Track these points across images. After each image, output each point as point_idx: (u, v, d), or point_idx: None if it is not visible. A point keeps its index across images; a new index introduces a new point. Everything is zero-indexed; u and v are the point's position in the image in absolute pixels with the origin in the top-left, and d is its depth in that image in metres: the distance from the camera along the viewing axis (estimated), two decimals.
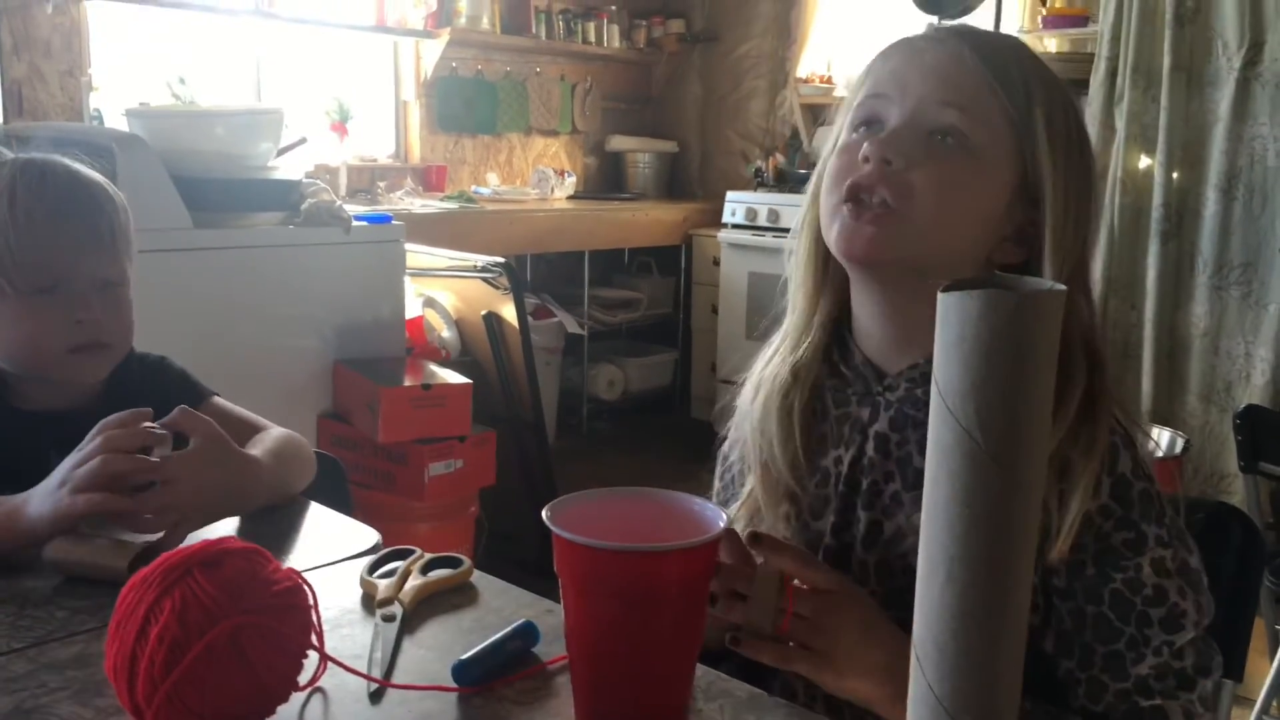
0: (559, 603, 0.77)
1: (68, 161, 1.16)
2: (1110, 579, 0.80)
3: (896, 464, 0.88)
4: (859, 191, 0.83)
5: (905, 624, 0.83)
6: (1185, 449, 2.92)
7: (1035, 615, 0.82)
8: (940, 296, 0.53)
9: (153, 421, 1.00)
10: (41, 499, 0.95)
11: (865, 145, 0.83)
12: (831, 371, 0.93)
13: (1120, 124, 3.22)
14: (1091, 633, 0.80)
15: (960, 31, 0.86)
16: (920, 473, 0.61)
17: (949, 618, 0.52)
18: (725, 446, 1.03)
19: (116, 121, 3.08)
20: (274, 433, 1.22)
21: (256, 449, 1.13)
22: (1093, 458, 0.79)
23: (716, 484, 1.05)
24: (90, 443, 0.96)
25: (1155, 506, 0.81)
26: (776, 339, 0.97)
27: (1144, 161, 3.25)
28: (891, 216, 0.82)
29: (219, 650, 0.66)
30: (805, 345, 0.93)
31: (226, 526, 1.07)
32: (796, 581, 0.79)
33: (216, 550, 0.69)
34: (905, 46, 0.87)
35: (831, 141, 0.90)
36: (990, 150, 0.83)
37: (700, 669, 0.77)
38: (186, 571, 0.68)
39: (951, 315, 0.52)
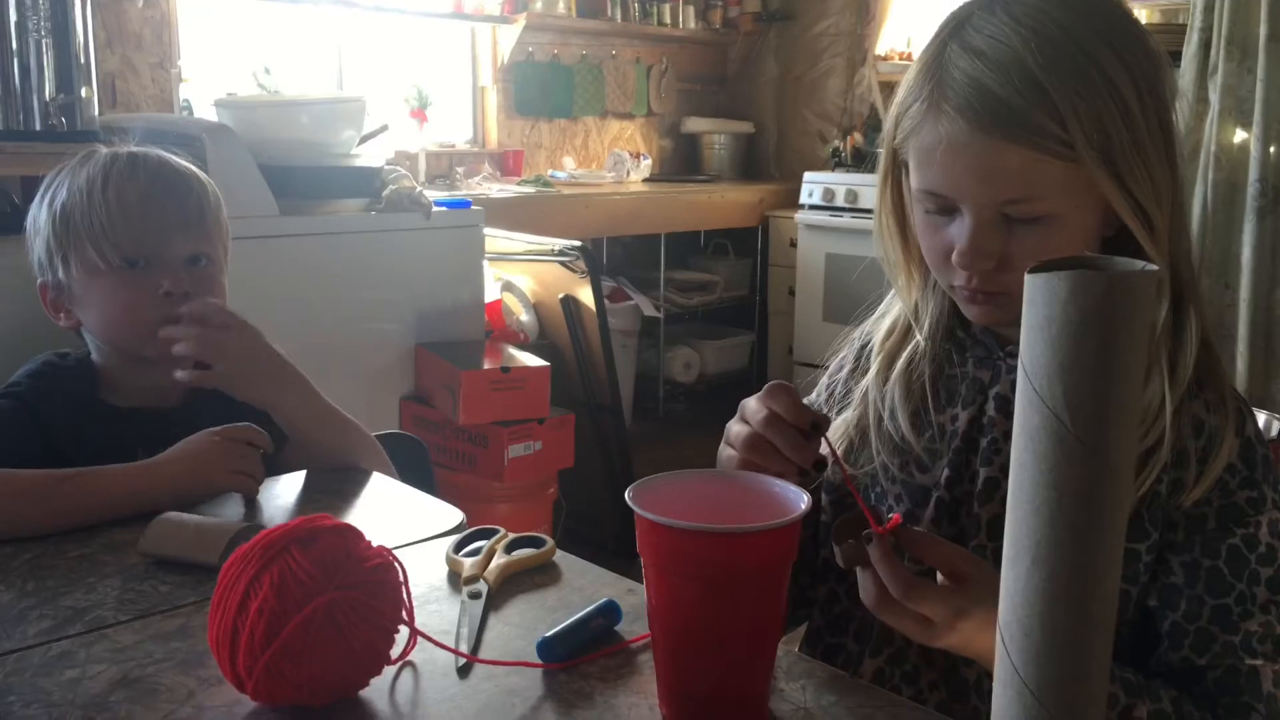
0: (639, 582, 0.78)
1: (159, 150, 1.22)
2: (1231, 534, 0.83)
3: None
4: (966, 290, 0.87)
5: None
6: None
7: (1146, 575, 0.85)
8: (1028, 278, 0.52)
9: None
10: (192, 463, 1.07)
11: (955, 255, 0.85)
12: (947, 335, 0.95)
13: (1214, 97, 3.11)
14: (1204, 586, 0.83)
15: (994, 109, 0.79)
16: None
17: (1035, 601, 0.52)
18: (834, 364, 1.06)
19: (205, 112, 3.17)
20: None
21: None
22: (1224, 416, 0.84)
23: (817, 396, 1.07)
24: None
25: (1274, 472, 0.86)
26: (894, 309, 0.99)
27: (1239, 136, 3.13)
28: (1002, 297, 0.86)
29: (315, 624, 0.68)
30: (928, 316, 0.95)
31: (318, 505, 1.10)
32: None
33: (312, 528, 0.72)
34: (945, 140, 0.82)
35: (885, 137, 0.90)
36: (1068, 201, 0.82)
37: (781, 649, 0.77)
38: (284, 548, 0.70)
39: (1039, 296, 0.52)
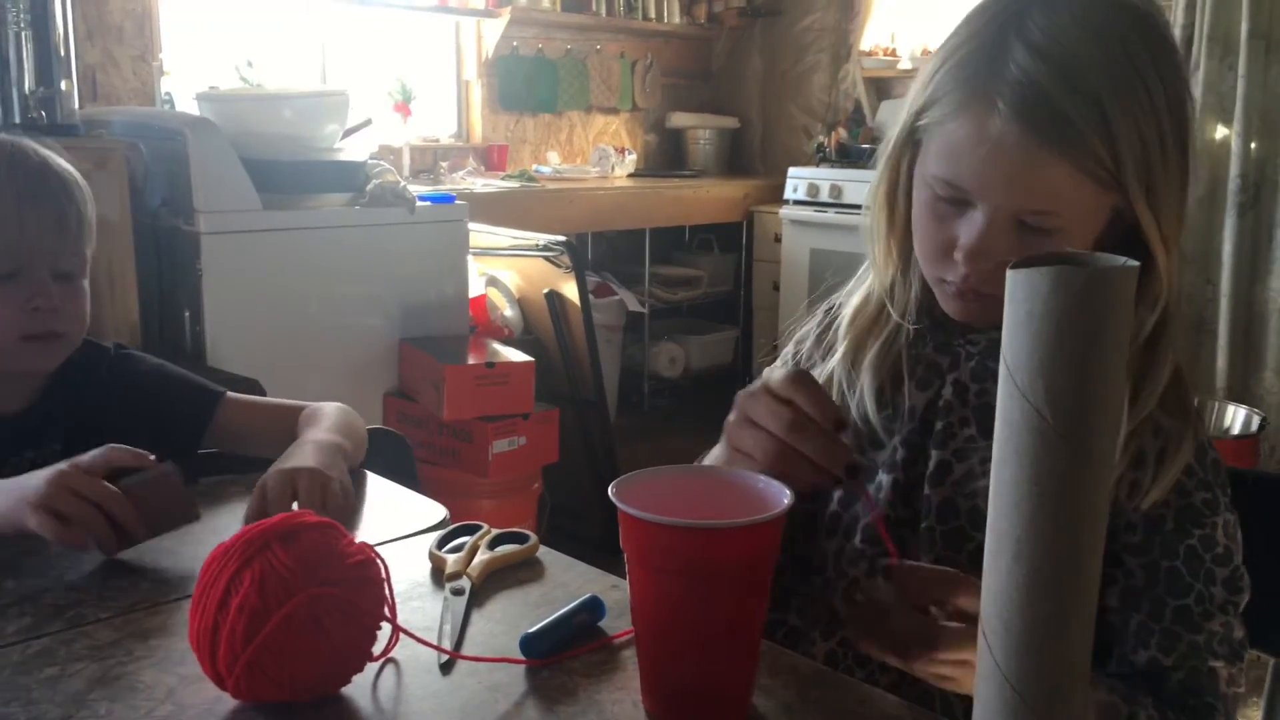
0: (623, 578, 0.78)
1: (38, 147, 1.13)
2: (1188, 535, 0.84)
3: (974, 411, 0.91)
4: (957, 285, 0.86)
5: (952, 563, 0.85)
6: (1262, 426, 2.85)
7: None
8: (1009, 274, 0.52)
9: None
10: (10, 502, 0.93)
11: (959, 252, 0.83)
12: (920, 317, 0.95)
13: (1196, 93, 3.13)
14: (1164, 587, 0.84)
15: (1051, 119, 0.77)
16: None
17: (1017, 596, 0.52)
18: (800, 333, 1.05)
19: (187, 105, 3.15)
20: (327, 409, 1.21)
21: (325, 431, 1.14)
22: (1185, 419, 0.85)
23: (782, 364, 1.06)
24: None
25: (1223, 474, 0.87)
26: (864, 288, 0.98)
27: (1220, 132, 3.16)
28: (989, 298, 0.85)
29: (297, 621, 0.68)
30: (906, 296, 0.94)
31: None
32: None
33: (293, 524, 0.71)
34: (979, 131, 0.80)
35: (905, 113, 0.88)
36: (1083, 217, 0.82)
37: (765, 644, 0.78)
38: (265, 545, 0.70)
39: (1020, 292, 0.52)
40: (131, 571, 0.93)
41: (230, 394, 1.23)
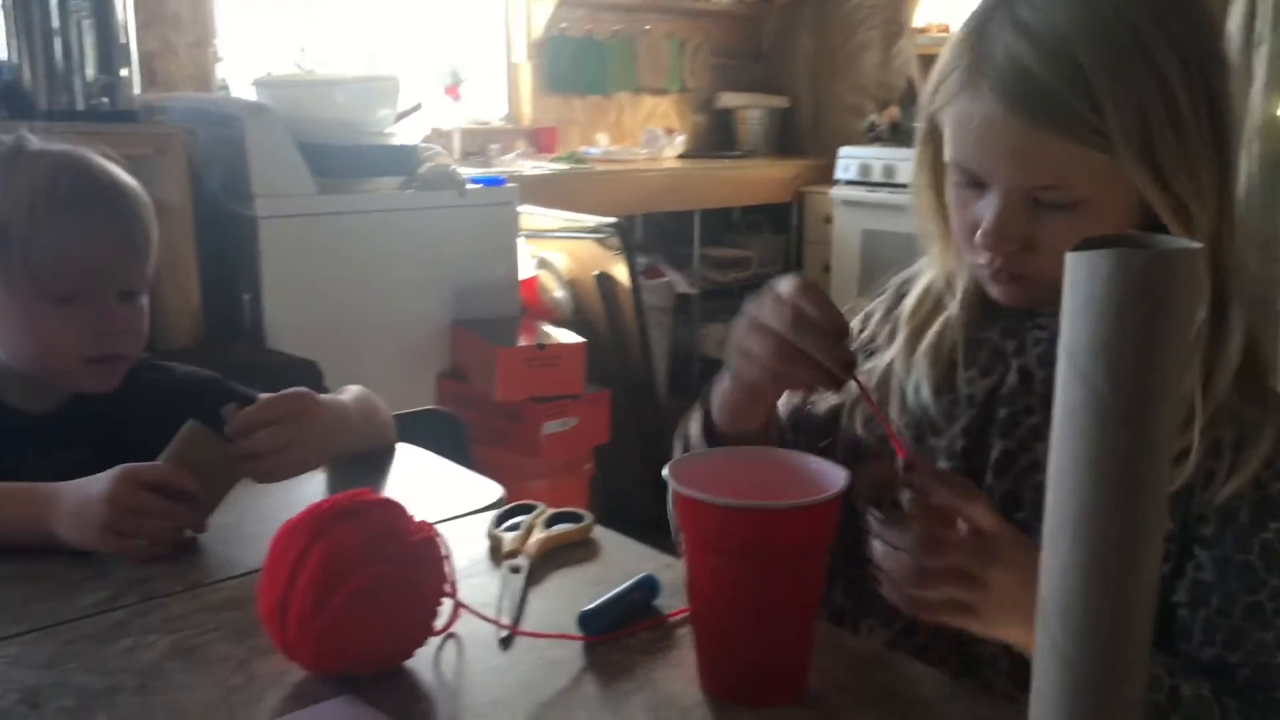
0: (675, 557, 0.79)
1: (104, 161, 1.10)
2: (1264, 528, 0.80)
3: (1040, 399, 0.89)
4: (989, 269, 0.85)
5: None
6: None
7: (1167, 565, 0.82)
8: (1069, 257, 0.52)
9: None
10: (76, 527, 0.92)
11: (978, 235, 0.83)
12: (979, 299, 0.93)
13: (1260, 69, 3.05)
14: (1236, 582, 0.81)
15: (1032, 93, 0.77)
16: None
17: (1077, 578, 0.52)
18: (870, 306, 1.03)
19: (242, 91, 3.20)
20: (350, 389, 1.22)
21: (342, 396, 1.15)
22: (1267, 407, 0.81)
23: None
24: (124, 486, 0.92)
25: None
26: (925, 277, 0.97)
27: None
28: (1025, 280, 0.84)
29: (362, 596, 0.70)
30: (962, 281, 0.93)
31: (360, 480, 1.12)
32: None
33: (357, 503, 0.73)
34: (972, 113, 0.80)
35: (923, 98, 0.88)
36: (1100, 189, 0.79)
37: (821, 623, 0.78)
38: (331, 522, 0.72)
39: (1080, 275, 0.52)
40: (200, 547, 0.96)
41: (261, 395, 1.18)
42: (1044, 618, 0.54)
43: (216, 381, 1.19)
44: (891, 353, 0.97)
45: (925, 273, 0.97)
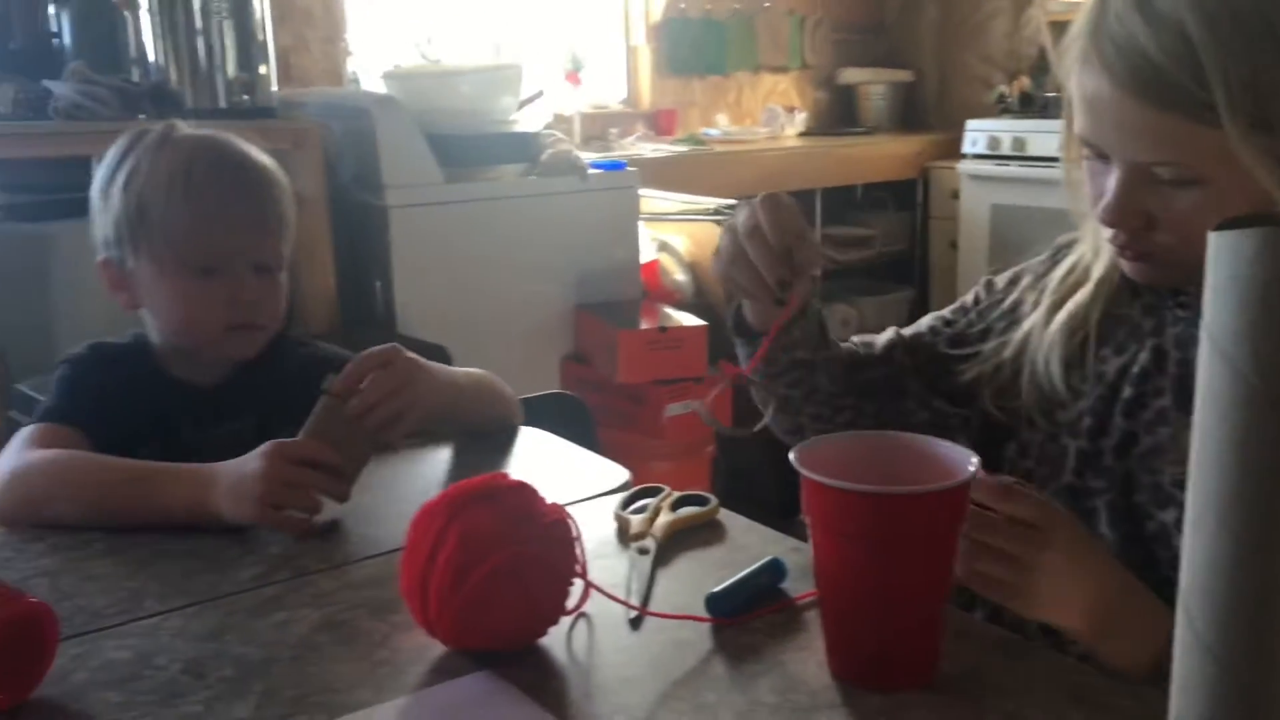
0: (800, 541, 0.79)
1: (241, 143, 1.18)
2: None
3: (1171, 381, 0.87)
4: (1115, 245, 0.85)
5: (1136, 541, 0.84)
6: None
7: None
8: (1211, 236, 0.51)
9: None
10: (234, 502, 0.97)
11: (1100, 209, 0.83)
12: (1122, 276, 0.92)
13: None
14: None
15: (1141, 70, 0.75)
16: None
17: (1222, 565, 0.51)
18: (1026, 265, 1.03)
19: (371, 84, 3.29)
20: (467, 370, 1.25)
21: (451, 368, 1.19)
22: None
23: (964, 312, 1.06)
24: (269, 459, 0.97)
25: None
26: (1077, 250, 0.96)
27: None
28: (1152, 258, 0.84)
29: (498, 576, 0.72)
30: (1108, 262, 0.92)
31: (488, 463, 1.15)
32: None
33: (492, 485, 0.76)
34: (1093, 93, 0.80)
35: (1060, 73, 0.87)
36: (1223, 167, 0.77)
37: (951, 609, 0.78)
38: (467, 504, 0.74)
39: (1223, 255, 0.50)
40: (344, 527, 1.01)
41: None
42: (1185, 608, 0.53)
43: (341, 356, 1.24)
44: (1030, 322, 0.96)
45: (1079, 245, 0.96)
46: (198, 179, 1.12)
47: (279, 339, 1.21)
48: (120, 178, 1.13)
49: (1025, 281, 1.01)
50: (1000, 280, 1.05)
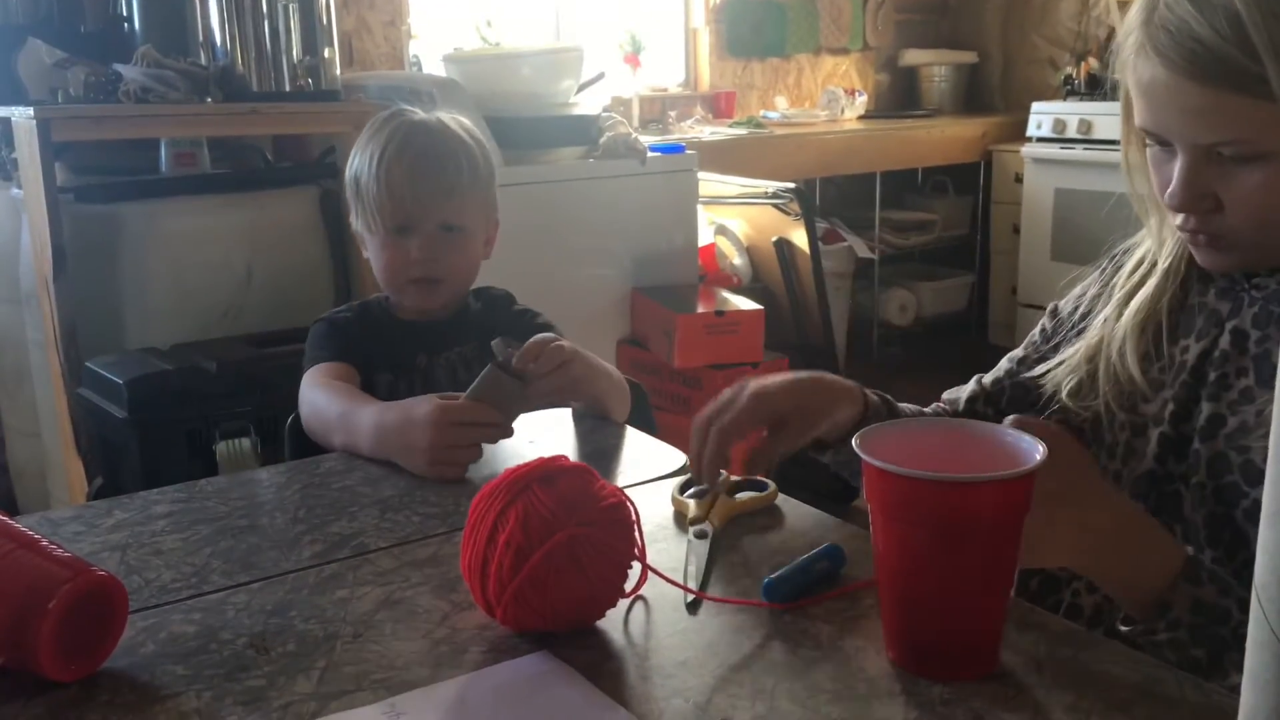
0: (858, 527, 0.78)
1: (442, 119, 1.38)
2: None
3: (1253, 360, 0.87)
4: (1185, 232, 0.86)
5: (1226, 520, 0.85)
6: None
7: None
8: None
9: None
10: (404, 453, 1.10)
11: (1167, 195, 0.84)
12: (1192, 262, 0.92)
13: None
14: None
15: (1195, 54, 0.77)
16: None
17: None
18: (1085, 282, 1.05)
19: (432, 67, 3.31)
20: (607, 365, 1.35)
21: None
22: None
23: (1034, 346, 1.07)
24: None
25: None
26: (1144, 243, 0.97)
27: None
28: (1222, 241, 0.84)
29: (557, 557, 0.73)
30: (1175, 243, 0.93)
31: (555, 447, 1.16)
32: None
33: (552, 468, 0.76)
34: (1150, 81, 0.81)
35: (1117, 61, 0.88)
36: (1275, 136, 0.77)
37: (1014, 599, 0.76)
38: (527, 486, 0.75)
39: None
40: (404, 506, 1.02)
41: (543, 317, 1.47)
42: (1259, 601, 0.51)
43: (508, 295, 1.50)
44: (1102, 318, 0.97)
45: (1143, 241, 0.97)
46: (394, 151, 1.32)
47: (480, 288, 1.44)
48: (353, 154, 1.37)
49: (1090, 293, 1.03)
50: (1064, 304, 1.07)
